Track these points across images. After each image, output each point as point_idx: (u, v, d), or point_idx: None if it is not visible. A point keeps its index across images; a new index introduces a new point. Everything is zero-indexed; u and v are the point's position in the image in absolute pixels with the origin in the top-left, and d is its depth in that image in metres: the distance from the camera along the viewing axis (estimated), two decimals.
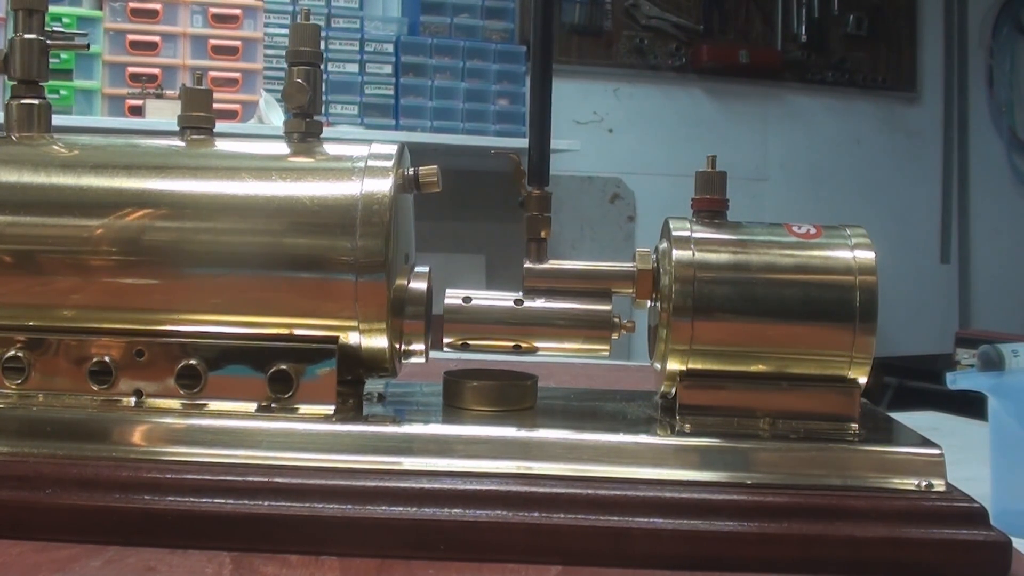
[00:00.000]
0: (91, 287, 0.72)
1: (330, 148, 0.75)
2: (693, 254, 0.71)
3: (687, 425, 0.71)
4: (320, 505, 0.66)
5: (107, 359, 0.72)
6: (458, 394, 0.76)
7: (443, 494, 0.66)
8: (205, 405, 0.72)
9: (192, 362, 0.72)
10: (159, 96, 2.64)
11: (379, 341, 0.72)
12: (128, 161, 0.74)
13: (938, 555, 0.65)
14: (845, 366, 0.71)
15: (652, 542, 0.65)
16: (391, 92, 2.95)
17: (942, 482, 0.68)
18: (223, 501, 0.66)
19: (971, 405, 1.08)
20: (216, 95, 0.80)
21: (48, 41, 0.77)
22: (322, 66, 0.78)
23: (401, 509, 0.66)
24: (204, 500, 0.66)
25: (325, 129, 0.78)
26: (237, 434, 0.70)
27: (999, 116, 3.90)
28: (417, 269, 0.77)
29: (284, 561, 0.63)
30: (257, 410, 0.71)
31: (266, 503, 0.66)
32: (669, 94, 3.51)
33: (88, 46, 0.84)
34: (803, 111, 3.66)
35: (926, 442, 0.71)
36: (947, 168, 3.85)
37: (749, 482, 0.68)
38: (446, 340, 0.76)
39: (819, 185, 3.64)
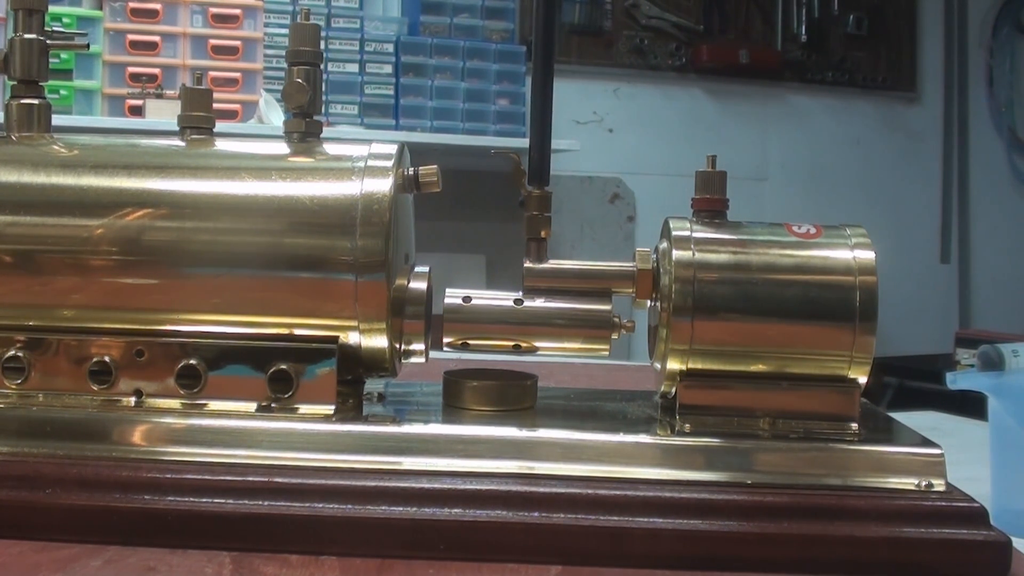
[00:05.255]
0: (91, 287, 0.72)
1: (330, 148, 0.75)
2: (693, 254, 0.71)
3: (687, 425, 0.71)
4: (320, 505, 0.66)
5: (107, 359, 0.72)
6: (458, 394, 0.76)
7: (443, 494, 0.66)
8: (205, 405, 0.72)
9: (192, 362, 0.72)
10: (159, 96, 2.64)
11: (379, 341, 0.72)
12: (128, 161, 0.74)
13: (938, 555, 0.65)
14: (845, 366, 0.71)
15: (652, 542, 0.65)
16: (391, 92, 2.95)
17: (942, 482, 0.68)
18: (223, 501, 0.66)
19: (971, 405, 1.08)
20: (216, 95, 0.80)
21: (48, 41, 0.77)
22: (322, 66, 0.78)
23: (401, 509, 0.66)
24: (204, 500, 0.66)
25: (325, 129, 0.78)
26: (237, 434, 0.70)
27: (999, 116, 3.90)
28: (417, 269, 0.77)
29: (284, 561, 0.63)
30: (257, 410, 0.71)
31: (266, 503, 0.66)
32: (669, 94, 3.51)
33: (88, 46, 0.84)
34: (803, 111, 3.66)
35: (926, 442, 0.71)
36: (947, 168, 3.85)
37: (749, 482, 0.68)
38: (446, 340, 0.76)
39: (819, 185, 3.64)
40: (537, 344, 0.76)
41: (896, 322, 3.49)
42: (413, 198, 0.79)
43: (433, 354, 0.77)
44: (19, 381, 0.72)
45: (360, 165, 0.73)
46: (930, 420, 1.31)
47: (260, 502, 0.66)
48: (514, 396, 0.76)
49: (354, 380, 0.77)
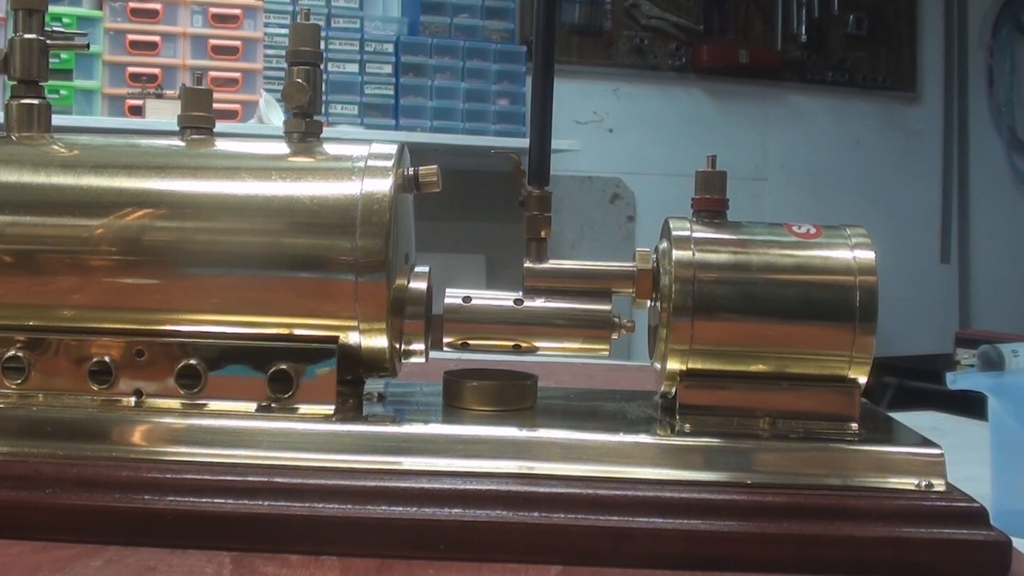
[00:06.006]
0: (91, 287, 0.72)
1: (330, 148, 0.75)
2: (693, 254, 0.71)
3: (687, 425, 0.71)
4: (320, 505, 0.66)
5: (107, 359, 0.72)
6: (458, 394, 0.76)
7: (443, 494, 0.66)
8: (205, 405, 0.72)
9: (192, 362, 0.72)
10: (159, 96, 2.64)
11: (379, 341, 0.72)
12: (128, 161, 0.74)
13: (938, 555, 0.65)
14: (845, 366, 0.71)
15: (652, 542, 0.65)
16: (391, 92, 2.95)
17: (942, 482, 0.68)
18: (223, 501, 0.66)
19: (971, 405, 1.08)
20: (216, 95, 0.80)
21: (48, 41, 0.77)
22: (322, 66, 0.78)
23: (401, 509, 0.66)
24: (204, 500, 0.66)
25: (325, 129, 0.78)
26: (237, 434, 0.70)
27: (999, 116, 3.90)
28: (417, 269, 0.77)
29: (284, 561, 0.63)
30: (257, 410, 0.71)
31: (266, 503, 0.66)
32: (669, 94, 3.51)
33: (88, 46, 0.84)
34: (803, 111, 3.66)
35: (926, 442, 0.71)
36: (947, 168, 3.85)
37: (749, 482, 0.68)
38: (446, 340, 0.76)
39: (819, 185, 3.64)
40: (537, 344, 0.76)
41: (896, 322, 3.49)
42: (413, 198, 0.79)
43: (433, 354, 0.77)
44: (19, 381, 0.72)
45: (360, 165, 0.73)
46: (930, 420, 1.31)
47: (260, 502, 0.66)
48: (514, 396, 0.76)
49: (354, 380, 0.77)
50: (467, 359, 0.82)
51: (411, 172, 0.76)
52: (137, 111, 2.64)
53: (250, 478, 0.67)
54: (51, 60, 0.78)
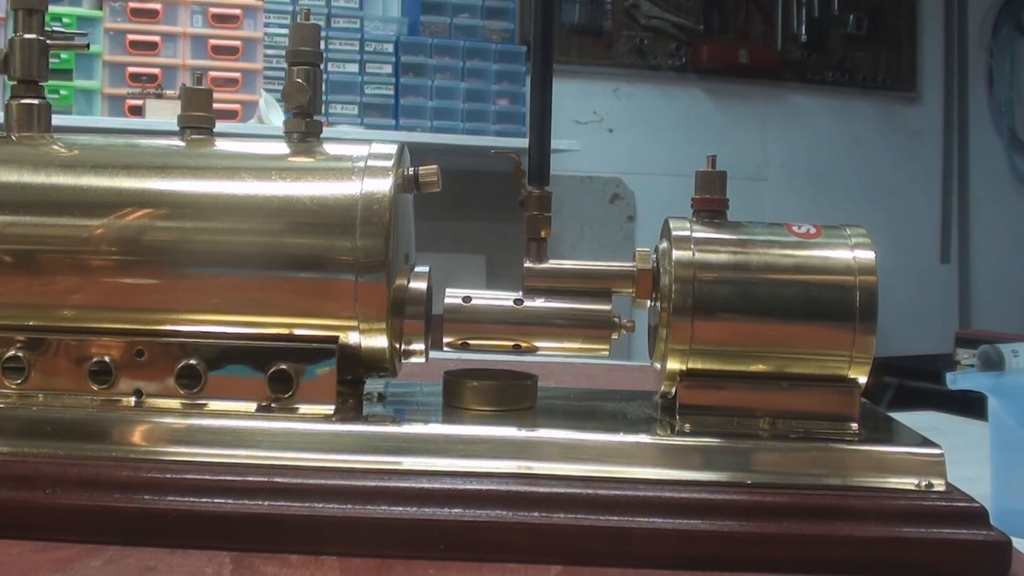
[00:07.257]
0: (91, 287, 0.72)
1: (330, 148, 0.75)
2: (693, 254, 0.71)
3: (687, 425, 0.71)
4: (320, 505, 0.66)
5: (107, 359, 0.72)
6: (458, 394, 0.76)
7: (443, 494, 0.66)
8: (205, 405, 0.72)
9: (192, 362, 0.72)
10: (159, 96, 2.64)
11: (379, 341, 0.72)
12: (128, 161, 0.74)
13: (938, 555, 0.65)
14: (845, 366, 0.71)
15: (652, 542, 0.65)
16: (391, 92, 2.95)
17: (942, 482, 0.68)
18: (223, 501, 0.66)
19: (971, 405, 1.08)
20: (216, 95, 0.80)
21: (48, 41, 0.77)
22: (322, 66, 0.78)
23: (401, 509, 0.66)
24: (204, 500, 0.66)
25: (325, 129, 0.78)
26: (237, 434, 0.70)
27: (999, 116, 3.90)
28: (417, 269, 0.77)
29: (284, 561, 0.63)
30: (257, 410, 0.71)
31: (266, 503, 0.66)
32: (669, 94, 3.51)
33: (88, 46, 0.84)
34: (803, 111, 3.66)
35: (926, 442, 0.71)
36: (947, 168, 3.85)
37: (749, 482, 0.68)
38: (446, 340, 0.76)
39: (819, 185, 3.64)
40: (537, 344, 0.76)
41: (896, 322, 3.49)
42: (413, 198, 0.79)
43: (433, 354, 0.77)
44: (19, 381, 0.72)
45: (360, 165, 0.73)
46: (930, 420, 1.31)
47: (260, 502, 0.66)
48: (514, 396, 0.76)
49: (354, 380, 0.77)
50: (467, 359, 0.82)
51: (411, 172, 0.76)
52: (137, 111, 2.64)
53: (250, 478, 0.67)
54: (51, 60, 0.78)
